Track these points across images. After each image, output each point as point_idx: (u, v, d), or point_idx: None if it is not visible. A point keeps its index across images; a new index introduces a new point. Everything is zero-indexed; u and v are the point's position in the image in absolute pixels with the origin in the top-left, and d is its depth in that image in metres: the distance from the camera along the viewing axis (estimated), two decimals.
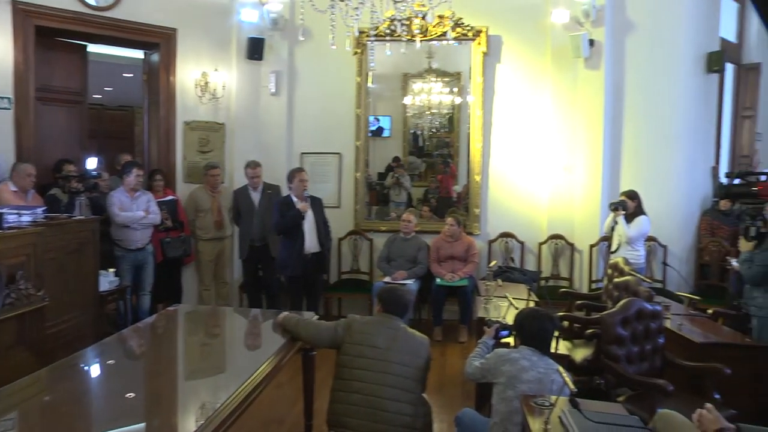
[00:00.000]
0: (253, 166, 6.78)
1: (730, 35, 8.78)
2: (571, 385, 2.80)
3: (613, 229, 5.82)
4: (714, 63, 7.56)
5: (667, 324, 4.36)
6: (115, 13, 6.46)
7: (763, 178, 4.60)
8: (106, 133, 11.75)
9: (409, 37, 5.38)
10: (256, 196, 6.83)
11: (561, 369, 2.98)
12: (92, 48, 7.05)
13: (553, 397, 2.85)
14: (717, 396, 3.66)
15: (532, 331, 3.28)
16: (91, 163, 6.65)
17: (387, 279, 6.68)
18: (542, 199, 7.34)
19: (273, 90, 7.38)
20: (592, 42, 6.97)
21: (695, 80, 7.42)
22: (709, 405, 2.77)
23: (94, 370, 3.33)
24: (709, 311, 4.98)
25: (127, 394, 2.88)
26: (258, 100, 7.41)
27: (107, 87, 11.55)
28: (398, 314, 3.57)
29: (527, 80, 7.33)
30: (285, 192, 6.54)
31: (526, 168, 7.37)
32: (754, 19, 9.10)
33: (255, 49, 7.22)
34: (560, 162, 7.24)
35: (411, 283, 6.61)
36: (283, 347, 3.65)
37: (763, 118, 8.91)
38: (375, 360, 3.38)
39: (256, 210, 6.78)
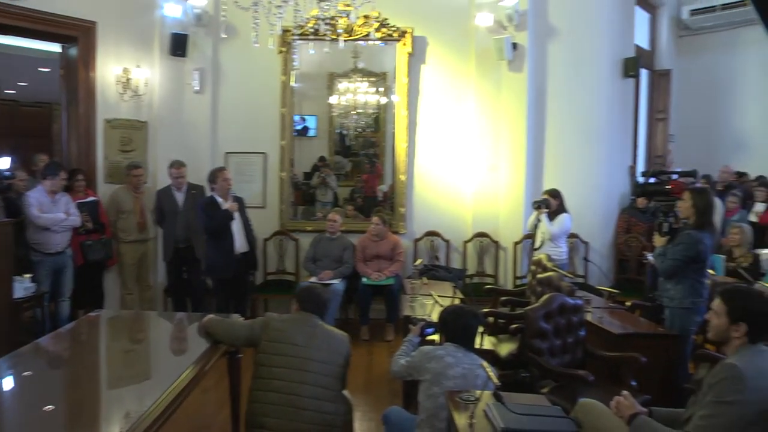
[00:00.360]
0: (177, 165, 6.62)
1: (644, 43, 9.21)
2: (495, 379, 2.86)
3: (536, 226, 5.96)
4: (630, 68, 7.90)
5: (588, 317, 4.52)
6: (28, 3, 6.12)
7: (674, 176, 4.83)
8: (22, 130, 11.22)
9: (333, 37, 5.37)
10: (180, 197, 6.66)
11: (485, 364, 3.03)
12: (2, 39, 6.69)
13: (478, 392, 2.91)
14: (634, 383, 3.82)
15: (456, 328, 3.34)
16: (4, 162, 6.33)
17: (313, 279, 6.64)
18: (467, 198, 7.47)
19: (197, 88, 7.21)
20: (515, 45, 7.14)
21: (613, 84, 7.72)
22: (625, 392, 2.90)
23: (7, 383, 3.13)
24: (627, 303, 5.21)
25: (45, 407, 2.72)
26: (182, 98, 7.23)
27: (21, 82, 11.04)
28: (316, 312, 3.55)
29: (452, 81, 7.44)
30: (209, 192, 6.41)
31: (451, 167, 7.47)
32: (664, 28, 9.59)
33: (178, 45, 7.04)
34: (484, 161, 7.38)
35: (337, 283, 6.61)
36: (207, 351, 3.57)
37: (675, 121, 9.38)
38: (294, 358, 3.34)
39: (181, 211, 6.62)
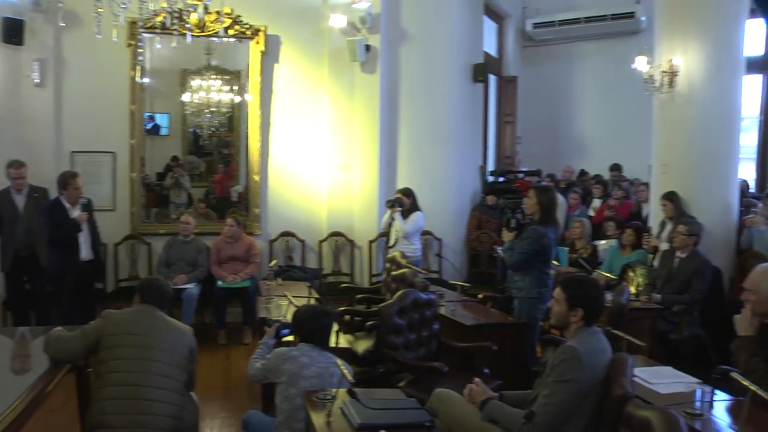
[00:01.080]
0: (16, 166, 5.99)
1: (492, 50, 9.69)
2: (349, 377, 2.87)
3: (390, 225, 6.05)
4: (479, 74, 8.26)
5: (442, 311, 4.65)
6: None
7: (521, 176, 5.09)
8: None
9: (183, 31, 5.14)
10: (20, 200, 6.06)
11: (339, 362, 3.04)
12: None
13: (334, 390, 2.90)
14: (487, 370, 3.98)
15: (310, 327, 3.32)
16: None
17: None
18: (322, 198, 7.45)
19: (37, 80, 6.58)
20: (368, 47, 7.22)
21: (463, 88, 8.02)
22: (476, 379, 3.02)
23: None
24: (480, 296, 5.42)
25: None
26: (19, 91, 6.58)
27: None
28: (158, 304, 3.33)
29: (305, 81, 7.39)
30: (53, 195, 5.92)
31: (305, 167, 7.42)
32: (510, 38, 10.15)
33: (13, 31, 6.38)
34: (338, 161, 7.41)
35: (192, 287, 6.35)
36: (51, 369, 3.20)
37: (521, 124, 9.94)
38: (135, 348, 3.10)
39: (21, 215, 6.02)
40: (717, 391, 2.98)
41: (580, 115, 10.42)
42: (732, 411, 2.85)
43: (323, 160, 7.43)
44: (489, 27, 9.51)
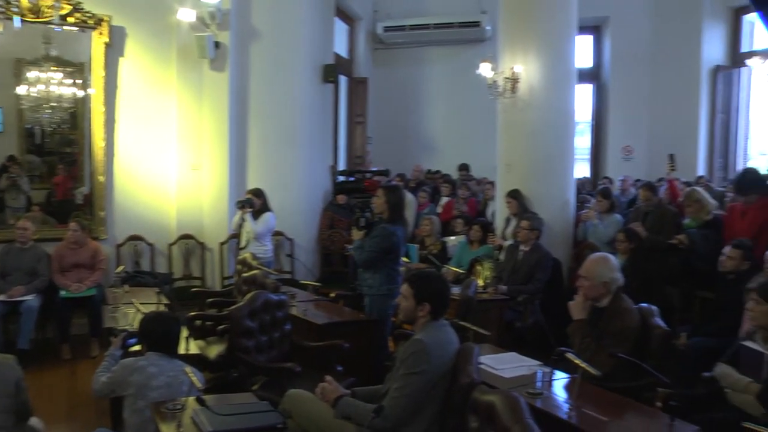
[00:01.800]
0: None
1: (343, 52, 9.76)
2: (198, 384, 2.81)
3: (241, 226, 5.90)
4: (329, 74, 8.29)
5: (294, 311, 4.60)
6: None
7: (369, 175, 5.15)
8: None
9: (12, 15, 4.66)
10: None
11: (188, 369, 2.96)
12: None
13: (184, 399, 2.81)
14: (340, 368, 3.97)
15: (157, 335, 3.18)
16: None
17: (2, 297, 5.74)
18: (171, 199, 7.15)
19: None
20: (217, 44, 7.01)
21: (314, 88, 8.01)
22: (328, 377, 3.01)
23: None
24: (332, 295, 5.43)
25: None
26: None
27: None
28: None
29: (152, 76, 7.04)
30: None
31: (153, 167, 7.08)
32: (361, 40, 10.29)
33: None
34: (188, 161, 7.15)
35: (31, 299, 5.80)
36: None
37: (372, 124, 10.11)
38: None
39: None
40: (556, 371, 3.20)
41: (429, 117, 10.79)
42: (568, 388, 3.06)
43: (172, 159, 7.13)
44: (340, 28, 9.59)
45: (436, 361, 2.77)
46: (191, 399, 2.77)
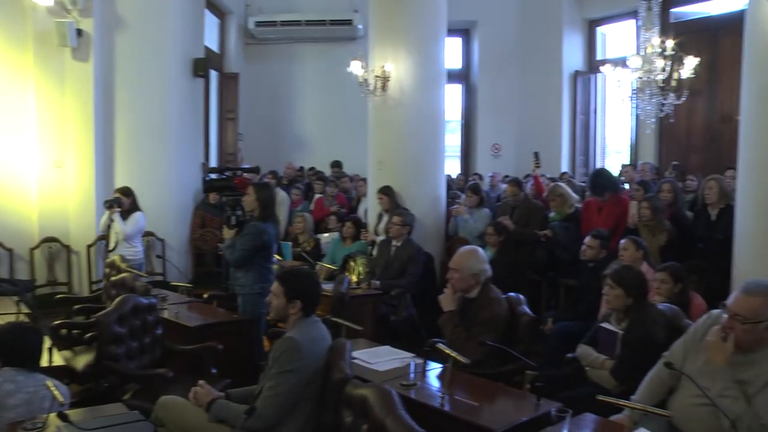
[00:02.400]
0: None
1: (214, 45, 9.53)
2: (60, 398, 2.68)
3: (109, 227, 5.68)
4: (199, 68, 8.08)
5: (165, 314, 4.46)
6: None
7: (239, 173, 5.09)
8: None
9: None
10: None
11: (50, 383, 2.79)
12: None
13: (45, 416, 2.63)
14: (214, 371, 3.91)
15: (13, 349, 2.96)
16: None
17: None
18: (31, 200, 6.76)
19: None
20: (80, 32, 6.65)
21: (183, 83, 7.79)
22: (201, 381, 2.97)
23: None
24: (205, 296, 5.30)
25: None
26: None
27: None
28: None
29: (5, 65, 6.60)
30: None
31: (10, 165, 6.65)
32: (233, 34, 10.11)
33: None
34: (50, 158, 6.76)
35: None
36: None
37: (244, 121, 9.96)
38: None
39: None
40: (429, 362, 3.31)
41: (302, 114, 10.77)
42: (440, 377, 3.17)
43: (32, 156, 6.70)
44: (211, 21, 9.37)
45: (308, 358, 2.80)
46: (53, 415, 2.60)
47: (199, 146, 8.47)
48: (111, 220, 5.68)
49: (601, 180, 5.91)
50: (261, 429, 2.72)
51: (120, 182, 6.66)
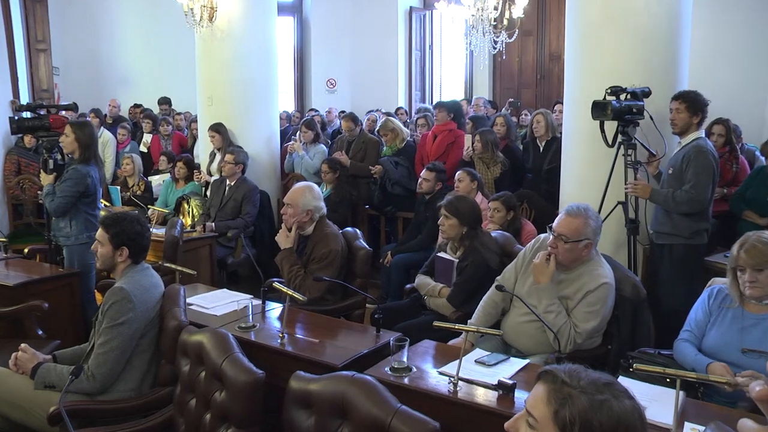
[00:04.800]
0: None
1: None
2: None
3: None
4: None
5: None
6: None
7: (53, 111, 4.64)
8: None
9: None
10: None
11: None
12: None
13: None
14: (41, 332, 3.63)
15: None
16: None
17: None
18: None
19: None
20: None
21: None
22: (23, 345, 2.75)
23: None
24: (26, 251, 4.87)
25: None
26: None
27: None
28: None
29: None
30: None
31: None
32: None
33: None
34: None
35: None
36: None
37: (58, 53, 9.04)
38: None
39: None
40: (268, 303, 3.30)
41: (124, 46, 10.03)
42: (280, 317, 3.12)
43: None
44: None
45: (140, 309, 2.68)
46: None
47: (6, 81, 7.53)
48: None
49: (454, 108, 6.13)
50: (96, 389, 2.59)
51: None
